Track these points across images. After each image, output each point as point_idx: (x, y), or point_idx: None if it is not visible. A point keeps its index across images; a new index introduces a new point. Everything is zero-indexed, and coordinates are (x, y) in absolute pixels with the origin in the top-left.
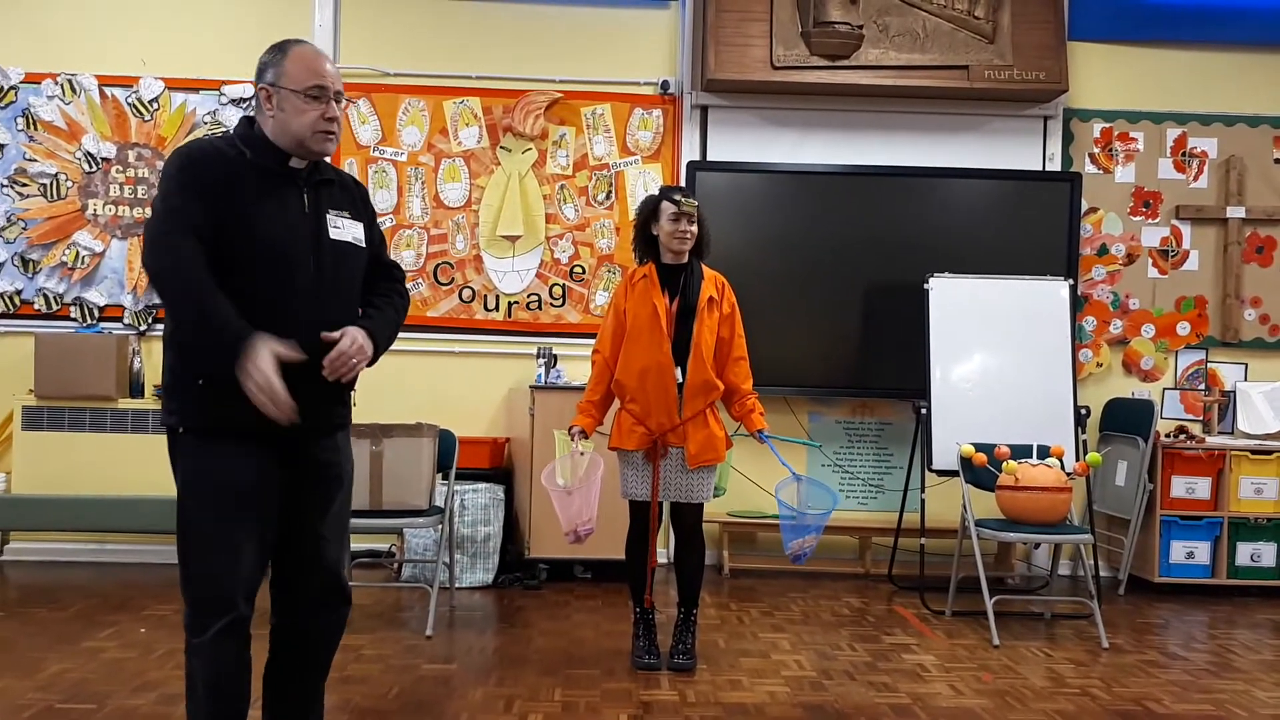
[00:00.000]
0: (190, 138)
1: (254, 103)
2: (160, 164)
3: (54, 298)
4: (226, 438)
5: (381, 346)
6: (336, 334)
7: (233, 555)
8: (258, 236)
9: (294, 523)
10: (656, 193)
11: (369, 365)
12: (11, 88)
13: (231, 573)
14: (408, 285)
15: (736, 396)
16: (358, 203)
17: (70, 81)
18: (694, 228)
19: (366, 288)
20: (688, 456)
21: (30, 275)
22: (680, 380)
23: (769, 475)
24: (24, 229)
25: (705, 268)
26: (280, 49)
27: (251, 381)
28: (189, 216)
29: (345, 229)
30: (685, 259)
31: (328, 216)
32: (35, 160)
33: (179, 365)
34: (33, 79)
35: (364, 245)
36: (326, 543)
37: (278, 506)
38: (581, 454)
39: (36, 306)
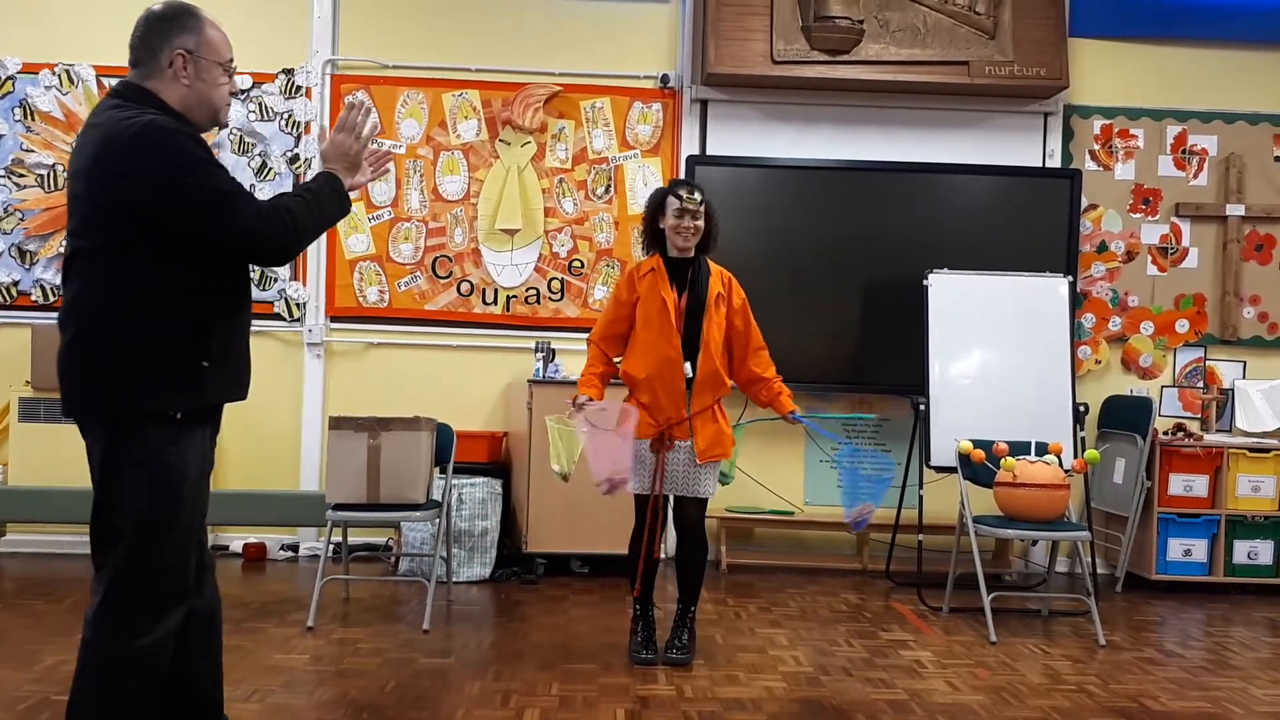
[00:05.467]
0: None
1: (149, 69)
2: None
3: (51, 289)
4: (195, 423)
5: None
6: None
7: (193, 541)
8: None
9: None
10: (666, 185)
11: None
12: (9, 78)
13: (189, 560)
14: (405, 279)
15: (762, 384)
16: None
17: (68, 72)
18: (698, 223)
19: None
20: (697, 451)
21: (27, 266)
22: (690, 375)
23: (766, 470)
24: (21, 220)
25: (711, 263)
26: (192, 14)
27: (375, 166)
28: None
29: None
30: (691, 254)
31: None
32: (32, 151)
33: (174, 347)
34: (30, 69)
35: None
36: (204, 519)
37: None
38: (603, 409)
39: (33, 298)
